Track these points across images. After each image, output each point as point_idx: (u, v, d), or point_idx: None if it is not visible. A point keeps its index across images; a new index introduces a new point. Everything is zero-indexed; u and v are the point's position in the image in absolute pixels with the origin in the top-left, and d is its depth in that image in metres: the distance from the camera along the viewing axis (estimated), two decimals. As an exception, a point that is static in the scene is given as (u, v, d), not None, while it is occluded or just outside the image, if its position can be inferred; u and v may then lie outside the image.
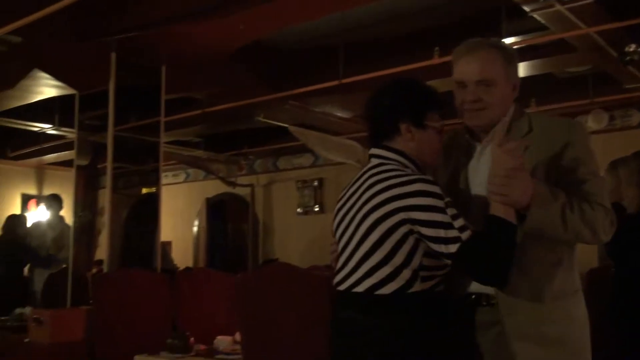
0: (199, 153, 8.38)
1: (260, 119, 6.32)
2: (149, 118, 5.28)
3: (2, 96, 5.87)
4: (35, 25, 3.88)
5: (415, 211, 1.70)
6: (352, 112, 6.49)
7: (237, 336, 3.57)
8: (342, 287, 1.82)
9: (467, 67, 1.85)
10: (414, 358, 1.71)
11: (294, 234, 8.51)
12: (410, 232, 1.71)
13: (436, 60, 4.54)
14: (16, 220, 6.49)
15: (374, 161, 1.86)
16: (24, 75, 5.16)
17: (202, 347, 3.41)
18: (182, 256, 8.83)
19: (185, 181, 9.72)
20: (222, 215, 9.76)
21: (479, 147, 1.91)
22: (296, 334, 2.50)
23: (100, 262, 8.06)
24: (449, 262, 1.70)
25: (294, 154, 8.49)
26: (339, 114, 6.51)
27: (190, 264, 8.74)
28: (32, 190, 9.74)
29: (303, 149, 8.03)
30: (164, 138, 5.09)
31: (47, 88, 5.64)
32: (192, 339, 3.35)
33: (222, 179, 8.92)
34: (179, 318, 4.19)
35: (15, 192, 9.52)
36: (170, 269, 6.58)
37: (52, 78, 5.18)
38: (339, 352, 1.81)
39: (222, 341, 3.48)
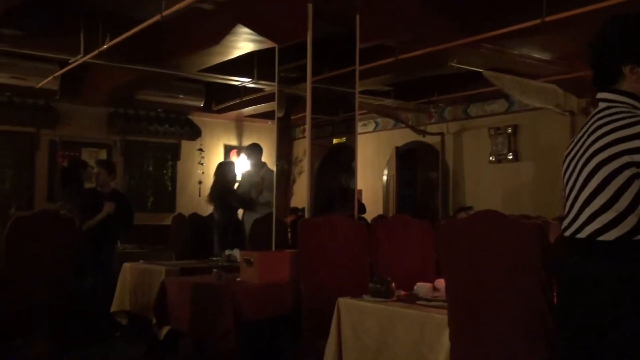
0: (389, 102, 8.38)
1: (453, 64, 6.13)
2: (342, 68, 5.35)
3: (208, 53, 6.28)
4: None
5: None
6: (553, 53, 6.07)
7: (437, 283, 3.56)
8: (567, 233, 1.81)
9: None
10: None
11: (486, 183, 8.28)
12: (635, 176, 1.64)
13: (655, -10, 4.05)
14: (225, 167, 6.92)
15: (601, 105, 1.81)
16: (227, 32, 5.45)
17: (402, 292, 3.44)
18: (372, 205, 9.00)
19: (374, 131, 9.81)
20: (411, 164, 9.75)
21: None
22: (504, 282, 2.42)
23: (293, 209, 8.47)
24: None
25: (486, 100, 8.19)
26: (538, 56, 6.12)
27: (380, 212, 8.88)
28: (233, 141, 10.44)
29: (496, 95, 7.71)
30: (359, 87, 5.10)
31: (247, 43, 5.92)
32: (393, 284, 3.38)
33: (412, 128, 8.88)
34: (376, 264, 4.27)
35: (218, 143, 10.27)
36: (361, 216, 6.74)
37: (253, 33, 5.41)
38: (569, 295, 1.81)
39: (422, 287, 3.49)
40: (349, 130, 5.60)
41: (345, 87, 5.30)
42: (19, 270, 3.76)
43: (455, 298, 2.59)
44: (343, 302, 3.33)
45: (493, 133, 8.23)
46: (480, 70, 6.20)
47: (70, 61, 6.31)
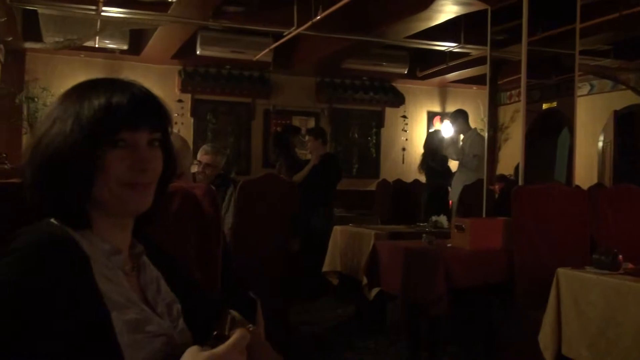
0: (608, 62, 7.73)
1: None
2: (559, 27, 5.04)
3: (414, 19, 6.25)
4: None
5: None
6: None
7: (671, 258, 3.29)
8: None
9: None
10: None
11: None
12: None
13: None
14: (430, 135, 6.96)
15: None
16: (437, -5, 5.38)
17: (630, 265, 3.22)
18: (585, 172, 8.43)
19: (588, 94, 9.13)
20: (631, 129, 8.96)
21: None
22: None
23: (501, 177, 8.24)
24: None
25: None
26: None
27: (594, 180, 8.31)
28: (436, 108, 10.35)
29: None
30: (579, 47, 4.78)
31: (455, 6, 5.79)
32: (620, 257, 3.17)
33: (634, 90, 8.13)
34: (597, 235, 4.04)
35: (421, 109, 10.25)
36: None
37: (465, -5, 5.29)
38: None
39: (653, 262, 3.24)
40: (561, 94, 5.32)
41: (561, 48, 5.01)
42: (247, 229, 4.11)
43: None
44: (563, 273, 3.20)
45: None
46: None
47: (284, 34, 6.63)
